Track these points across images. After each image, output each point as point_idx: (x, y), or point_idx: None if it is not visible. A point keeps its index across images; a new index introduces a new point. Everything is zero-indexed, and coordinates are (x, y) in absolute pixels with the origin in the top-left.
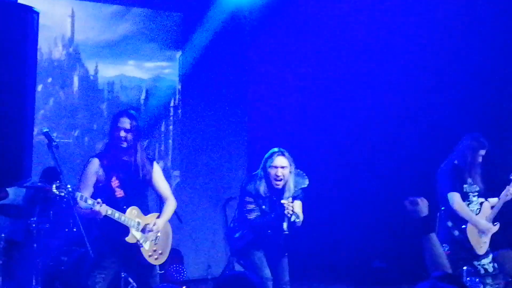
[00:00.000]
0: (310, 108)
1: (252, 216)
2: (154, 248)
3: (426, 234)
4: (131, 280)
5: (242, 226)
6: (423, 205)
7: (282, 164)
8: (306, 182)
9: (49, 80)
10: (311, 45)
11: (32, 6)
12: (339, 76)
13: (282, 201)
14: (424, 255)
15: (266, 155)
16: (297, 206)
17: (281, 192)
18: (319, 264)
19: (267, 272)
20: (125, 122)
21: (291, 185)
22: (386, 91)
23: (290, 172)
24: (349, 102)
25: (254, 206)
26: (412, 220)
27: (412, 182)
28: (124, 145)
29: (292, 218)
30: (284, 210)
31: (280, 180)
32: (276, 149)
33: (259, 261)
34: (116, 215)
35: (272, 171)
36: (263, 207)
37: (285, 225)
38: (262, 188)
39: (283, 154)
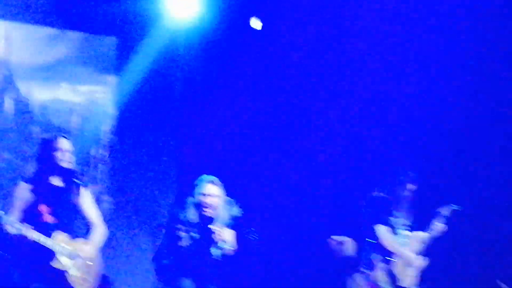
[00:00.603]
0: (244, 134)
1: (183, 243)
2: (81, 275)
3: (350, 274)
4: None
5: (170, 253)
6: (348, 246)
7: (212, 192)
8: (237, 210)
9: None
10: (248, 74)
11: None
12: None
13: (210, 226)
14: None
15: (196, 182)
16: (228, 234)
17: (212, 220)
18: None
19: None
20: (66, 144)
21: (221, 213)
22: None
23: (221, 200)
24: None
25: (184, 233)
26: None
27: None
28: (67, 165)
29: (220, 244)
30: (213, 239)
31: (210, 208)
32: (206, 177)
33: None
34: (42, 239)
35: (202, 199)
36: (193, 234)
37: (213, 250)
38: (192, 215)
39: (213, 183)
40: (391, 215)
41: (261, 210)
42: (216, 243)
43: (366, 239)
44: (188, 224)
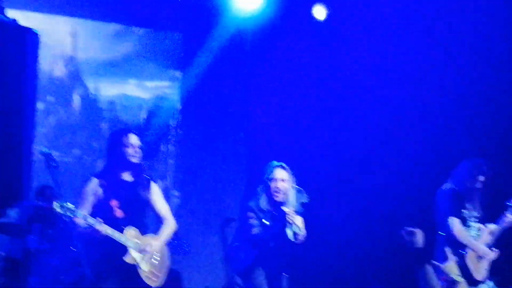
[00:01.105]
0: (311, 127)
1: (254, 231)
2: (151, 269)
3: (421, 266)
4: None
5: (244, 244)
6: (419, 237)
7: (282, 177)
8: (306, 197)
9: (50, 98)
10: (313, 66)
11: (33, 26)
12: (340, 95)
13: (283, 207)
14: (419, 286)
15: (265, 169)
16: (299, 220)
17: (282, 204)
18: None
19: None
20: (135, 139)
21: (291, 198)
22: (386, 105)
23: (290, 185)
24: (349, 118)
25: (256, 221)
26: (408, 250)
27: (413, 206)
28: (135, 160)
29: (294, 228)
30: (286, 221)
31: (280, 192)
32: (275, 163)
33: (260, 286)
34: (116, 235)
35: (272, 184)
36: (265, 221)
37: (289, 232)
38: (263, 202)
39: (283, 168)
40: (463, 207)
41: (331, 201)
42: (289, 224)
43: (439, 232)
44: (259, 211)
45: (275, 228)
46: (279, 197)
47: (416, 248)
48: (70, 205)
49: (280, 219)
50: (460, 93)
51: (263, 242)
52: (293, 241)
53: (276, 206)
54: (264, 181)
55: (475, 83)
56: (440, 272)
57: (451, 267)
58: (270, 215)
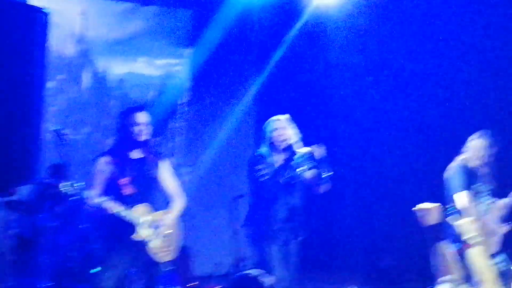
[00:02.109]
0: (321, 104)
1: (266, 177)
2: (163, 245)
3: (434, 242)
4: (140, 277)
5: (258, 203)
6: (434, 213)
7: (281, 126)
8: (314, 149)
9: (60, 77)
10: (321, 42)
11: (43, 5)
12: (350, 76)
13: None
14: (434, 262)
15: (265, 125)
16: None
17: (289, 155)
18: (327, 263)
19: (280, 273)
20: (144, 117)
21: (296, 144)
22: (400, 92)
23: (293, 131)
24: (361, 101)
25: (266, 168)
26: (422, 226)
27: (423, 181)
28: (144, 138)
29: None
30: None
31: (283, 139)
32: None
33: (275, 261)
34: (124, 212)
35: (274, 134)
36: (274, 166)
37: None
38: (269, 157)
39: (279, 118)
40: (474, 182)
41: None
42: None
43: (447, 206)
44: (268, 158)
45: (282, 171)
46: (281, 143)
47: (429, 224)
48: (78, 184)
49: (287, 165)
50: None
51: (276, 180)
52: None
53: (281, 153)
54: (267, 138)
55: (479, 82)
56: (453, 248)
57: (466, 223)
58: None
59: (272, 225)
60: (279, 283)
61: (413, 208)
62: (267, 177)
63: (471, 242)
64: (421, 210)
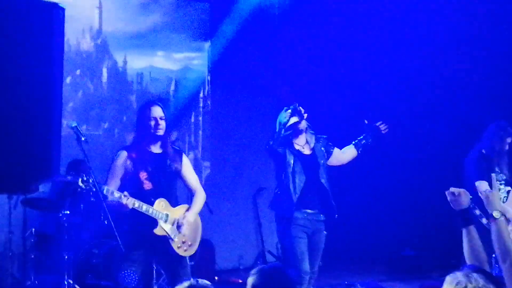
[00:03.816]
0: (341, 97)
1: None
2: (183, 240)
3: (464, 227)
4: (163, 272)
5: (283, 181)
6: (464, 197)
7: (289, 114)
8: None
9: (78, 72)
10: (341, 34)
11: (59, 0)
12: (367, 67)
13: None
14: (464, 247)
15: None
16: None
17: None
18: (348, 253)
19: (306, 266)
20: (158, 111)
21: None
22: (412, 81)
23: (301, 119)
24: (378, 93)
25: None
26: (452, 211)
27: (443, 171)
28: (160, 132)
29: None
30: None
31: (292, 128)
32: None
33: (301, 254)
34: (144, 207)
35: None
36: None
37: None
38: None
39: (286, 109)
40: (491, 171)
41: (359, 168)
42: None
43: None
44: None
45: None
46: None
47: (459, 209)
48: (93, 180)
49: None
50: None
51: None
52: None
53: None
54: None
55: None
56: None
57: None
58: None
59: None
60: (304, 275)
61: (446, 192)
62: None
63: (496, 216)
64: (453, 193)
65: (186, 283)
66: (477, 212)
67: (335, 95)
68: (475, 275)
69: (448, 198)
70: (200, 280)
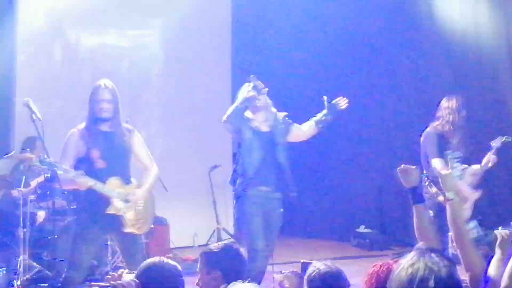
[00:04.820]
0: (301, 72)
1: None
2: (137, 217)
3: (414, 204)
4: (118, 249)
5: (240, 158)
6: (415, 175)
7: (248, 88)
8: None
9: (31, 49)
10: (295, 14)
11: None
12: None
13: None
14: (414, 225)
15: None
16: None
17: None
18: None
19: (260, 243)
20: (105, 94)
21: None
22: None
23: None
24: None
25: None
26: (403, 189)
27: (403, 149)
28: (105, 115)
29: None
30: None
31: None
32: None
33: (255, 231)
34: (98, 186)
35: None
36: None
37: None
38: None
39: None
40: (446, 148)
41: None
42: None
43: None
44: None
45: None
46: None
47: (409, 186)
48: (50, 159)
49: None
50: None
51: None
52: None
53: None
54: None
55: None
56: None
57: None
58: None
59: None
60: (259, 252)
61: (397, 169)
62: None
63: (450, 197)
64: (403, 170)
65: (148, 260)
66: (433, 189)
67: (298, 68)
68: (428, 253)
69: (399, 175)
70: (164, 259)
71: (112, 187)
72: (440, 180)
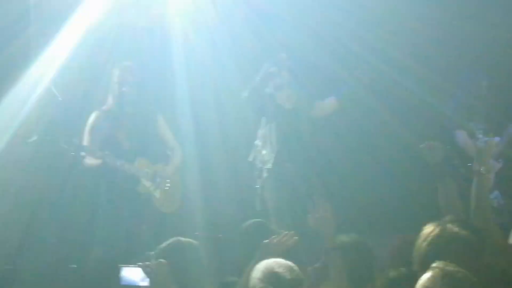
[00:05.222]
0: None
1: None
2: (165, 196)
3: (439, 178)
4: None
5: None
6: (438, 151)
7: None
8: None
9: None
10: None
11: None
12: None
13: None
14: (439, 199)
15: None
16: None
17: None
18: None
19: None
20: (127, 75)
21: None
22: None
23: None
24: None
25: None
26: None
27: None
28: (129, 97)
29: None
30: None
31: None
32: None
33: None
34: (125, 166)
35: None
36: None
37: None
38: None
39: None
40: (469, 119)
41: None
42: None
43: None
44: None
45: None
46: None
47: (434, 161)
48: (77, 141)
49: None
50: None
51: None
52: None
53: None
54: None
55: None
56: None
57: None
58: None
59: None
60: None
61: (422, 145)
62: None
63: (485, 172)
64: (429, 145)
65: (171, 240)
66: (455, 162)
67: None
68: (449, 224)
69: (425, 152)
70: (183, 238)
71: (139, 166)
72: (476, 154)
